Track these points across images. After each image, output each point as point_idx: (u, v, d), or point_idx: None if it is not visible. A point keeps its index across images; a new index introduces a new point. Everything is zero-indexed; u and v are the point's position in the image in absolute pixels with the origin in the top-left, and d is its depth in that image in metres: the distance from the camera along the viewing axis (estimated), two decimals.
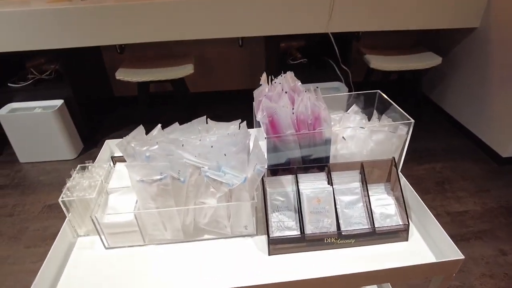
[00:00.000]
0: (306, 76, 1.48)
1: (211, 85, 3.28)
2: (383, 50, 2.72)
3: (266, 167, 0.89)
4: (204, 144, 0.82)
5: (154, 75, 2.51)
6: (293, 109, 0.83)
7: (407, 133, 0.92)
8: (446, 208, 2.11)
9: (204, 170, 0.77)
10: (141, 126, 0.91)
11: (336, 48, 2.46)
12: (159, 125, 0.92)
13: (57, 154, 2.68)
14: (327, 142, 0.89)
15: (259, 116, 0.82)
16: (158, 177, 0.77)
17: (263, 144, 0.88)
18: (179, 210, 0.83)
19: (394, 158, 0.92)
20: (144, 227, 0.85)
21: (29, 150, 2.67)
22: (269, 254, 0.85)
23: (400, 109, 0.96)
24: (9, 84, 2.68)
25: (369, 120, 1.04)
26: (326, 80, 2.58)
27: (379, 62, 2.56)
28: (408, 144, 0.96)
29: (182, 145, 0.81)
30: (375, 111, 1.06)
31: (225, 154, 0.78)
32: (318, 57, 2.78)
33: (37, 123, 2.54)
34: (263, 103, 0.82)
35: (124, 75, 2.52)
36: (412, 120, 0.90)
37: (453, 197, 2.19)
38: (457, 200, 2.17)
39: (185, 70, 2.51)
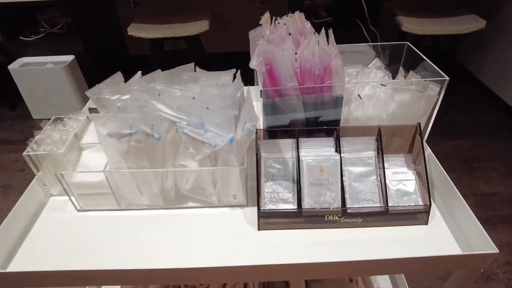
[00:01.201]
0: None
1: (228, 45, 3.09)
2: (418, 11, 2.44)
3: (259, 127, 0.75)
4: (186, 96, 0.69)
5: (167, 32, 2.36)
6: (296, 54, 0.66)
7: (439, 93, 0.74)
8: (473, 189, 1.92)
9: (181, 126, 0.64)
10: (119, 72, 0.77)
11: (365, 8, 2.22)
12: (139, 72, 0.79)
13: (69, 110, 2.62)
14: (338, 100, 0.73)
15: (254, 62, 0.66)
16: (128, 131, 0.64)
17: (259, 105, 0.73)
18: (156, 172, 0.71)
19: (419, 124, 0.75)
20: (118, 190, 0.74)
21: (41, 106, 2.63)
22: (258, 229, 0.72)
23: (433, 64, 0.78)
24: (20, 37, 2.61)
25: (393, 78, 0.86)
26: (352, 42, 2.34)
27: (412, 25, 2.29)
28: (435, 117, 0.78)
29: (159, 95, 0.68)
30: (401, 67, 0.88)
31: (207, 108, 0.64)
32: (344, 17, 2.53)
33: (48, 78, 2.48)
34: (260, 46, 0.66)
35: (136, 30, 2.38)
36: (447, 78, 0.72)
37: (481, 177, 1.99)
38: (486, 181, 1.97)
39: (200, 26, 2.35)
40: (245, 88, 0.77)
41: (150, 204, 0.77)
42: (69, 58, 2.52)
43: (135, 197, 0.76)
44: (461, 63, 2.77)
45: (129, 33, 2.39)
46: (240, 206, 0.78)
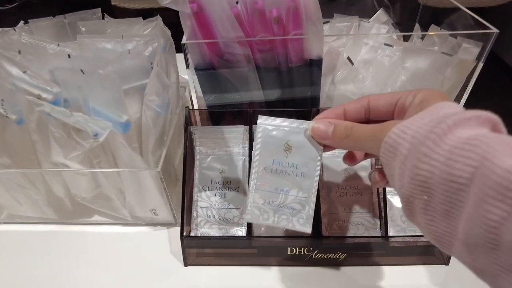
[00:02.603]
0: None
1: None
2: None
3: (193, 105, 0.49)
4: (67, 54, 0.42)
5: None
6: None
7: (479, 58, 0.47)
8: None
9: (37, 103, 0.38)
10: None
11: None
12: (21, 22, 0.53)
13: None
14: (315, 66, 0.46)
15: (179, 3, 0.39)
16: None
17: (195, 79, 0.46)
18: (23, 173, 0.45)
19: None
20: None
21: None
22: (185, 264, 0.47)
23: (469, 12, 0.50)
24: None
25: (406, 40, 0.58)
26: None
27: None
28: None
29: (19, 52, 0.42)
30: (417, 24, 0.60)
31: (82, 72, 0.37)
32: None
33: None
34: None
35: (121, 1, 2.11)
36: (495, 30, 0.44)
37: None
38: None
39: None
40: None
41: (38, 216, 0.53)
42: None
43: (14, 206, 0.52)
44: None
45: (112, 3, 2.12)
46: (166, 225, 0.52)
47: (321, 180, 0.47)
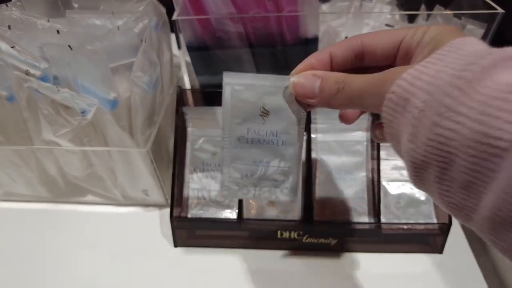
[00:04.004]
0: None
1: None
2: None
3: (186, 85, 0.48)
4: (56, 30, 0.41)
5: None
6: None
7: (484, 38, 0.44)
8: None
9: (25, 79, 0.37)
10: None
11: None
12: None
13: None
14: (311, 45, 0.45)
15: None
16: None
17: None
18: (16, 151, 0.45)
19: None
20: None
21: None
22: (175, 245, 0.47)
23: None
24: None
25: (411, 22, 0.56)
26: None
27: None
28: None
29: (9, 28, 0.41)
30: (423, 5, 0.58)
31: (70, 48, 0.37)
32: None
33: None
34: None
35: None
36: (501, 10, 0.42)
37: None
38: None
39: None
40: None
41: (31, 194, 0.53)
42: None
43: (9, 184, 0.52)
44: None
45: None
46: (157, 206, 0.52)
47: (314, 164, 0.46)
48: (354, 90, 0.24)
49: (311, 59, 0.27)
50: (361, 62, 0.27)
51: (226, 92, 0.29)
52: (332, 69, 0.27)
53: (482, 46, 0.20)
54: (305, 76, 0.27)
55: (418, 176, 0.21)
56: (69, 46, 0.37)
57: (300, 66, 0.28)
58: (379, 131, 0.29)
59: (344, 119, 0.31)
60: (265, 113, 0.30)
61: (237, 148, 0.31)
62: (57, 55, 0.38)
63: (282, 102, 0.29)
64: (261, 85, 0.29)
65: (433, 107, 0.19)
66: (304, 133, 0.33)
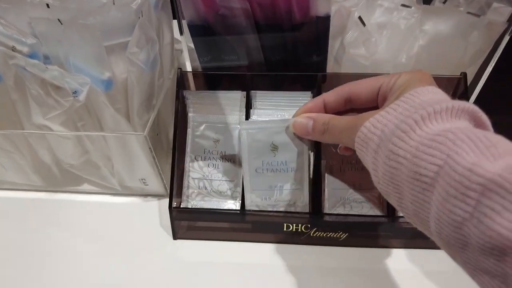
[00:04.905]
0: None
1: None
2: None
3: (186, 67, 0.45)
4: (46, 3, 0.38)
5: None
6: None
7: (509, 22, 0.41)
8: None
9: (10, 55, 0.34)
10: None
11: None
12: None
13: None
14: (322, 25, 0.41)
15: None
16: None
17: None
18: (5, 135, 0.43)
19: (465, 76, 0.43)
20: None
21: None
22: (174, 237, 0.44)
23: None
24: None
25: (427, 2, 0.52)
26: None
27: None
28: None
29: None
30: None
31: (60, 22, 0.34)
32: None
33: None
34: None
35: None
36: None
37: None
38: None
39: None
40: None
41: (26, 183, 0.50)
42: None
43: (1, 172, 0.49)
44: None
45: None
46: (157, 196, 0.49)
47: (323, 152, 0.43)
48: (336, 130, 0.31)
49: (309, 103, 0.34)
50: (352, 105, 0.33)
51: (243, 135, 0.39)
52: (326, 111, 0.34)
53: (436, 97, 0.25)
54: (302, 117, 0.34)
55: (390, 203, 0.27)
56: (58, 20, 0.34)
57: (300, 109, 0.35)
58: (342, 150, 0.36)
59: (342, 151, 0.36)
60: (275, 147, 0.39)
61: (256, 178, 0.40)
62: (46, 31, 0.36)
63: (287, 138, 0.38)
64: (269, 127, 0.39)
65: (383, 150, 0.24)
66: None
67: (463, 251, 0.20)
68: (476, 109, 0.23)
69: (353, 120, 0.28)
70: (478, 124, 0.24)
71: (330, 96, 0.33)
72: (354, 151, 0.34)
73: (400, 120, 0.24)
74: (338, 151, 0.37)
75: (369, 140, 0.26)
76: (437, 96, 0.25)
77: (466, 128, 0.22)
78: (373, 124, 0.25)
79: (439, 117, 0.23)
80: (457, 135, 0.21)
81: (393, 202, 0.26)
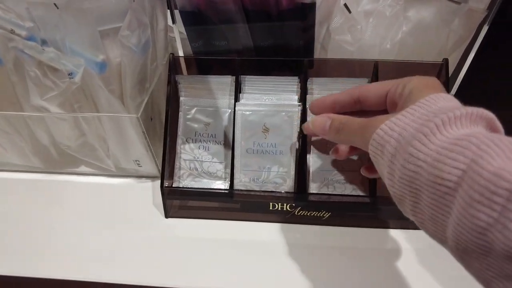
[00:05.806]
0: None
1: None
2: None
3: (178, 52, 0.47)
4: None
5: None
6: None
7: (490, 7, 0.42)
8: None
9: (9, 37, 0.36)
10: None
11: None
12: None
13: None
14: (308, 11, 0.43)
15: None
16: None
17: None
18: (5, 117, 0.45)
19: (447, 62, 0.44)
20: None
21: None
22: (166, 216, 0.46)
23: None
24: None
25: None
26: None
27: None
28: (468, 79, 0.46)
29: None
30: None
31: (56, 6, 0.35)
32: None
33: None
34: None
35: None
36: None
37: None
38: None
39: None
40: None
41: (26, 164, 0.52)
42: None
43: (1, 154, 0.51)
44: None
45: None
46: (150, 177, 0.51)
47: (308, 138, 0.45)
48: (350, 132, 0.31)
49: (324, 98, 0.36)
50: (361, 106, 0.34)
51: (238, 116, 0.42)
52: (335, 111, 0.35)
53: (449, 103, 0.25)
54: (321, 116, 0.35)
55: (401, 207, 0.27)
56: (54, 4, 0.36)
57: (314, 101, 0.37)
58: (365, 170, 0.38)
59: (336, 154, 0.38)
60: (266, 129, 0.42)
61: (246, 158, 0.43)
62: (43, 15, 0.37)
63: (278, 121, 0.42)
64: (263, 110, 0.42)
65: (401, 153, 0.24)
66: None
67: (485, 257, 0.20)
68: (492, 115, 0.24)
69: (366, 123, 0.29)
70: (493, 130, 0.24)
71: (341, 96, 0.35)
72: (347, 156, 0.38)
73: (420, 124, 0.24)
74: (330, 153, 0.38)
75: (385, 143, 0.25)
76: (452, 103, 0.25)
77: (486, 134, 0.21)
78: (390, 127, 0.25)
79: (459, 122, 0.23)
80: (481, 140, 0.20)
81: (405, 206, 0.26)
